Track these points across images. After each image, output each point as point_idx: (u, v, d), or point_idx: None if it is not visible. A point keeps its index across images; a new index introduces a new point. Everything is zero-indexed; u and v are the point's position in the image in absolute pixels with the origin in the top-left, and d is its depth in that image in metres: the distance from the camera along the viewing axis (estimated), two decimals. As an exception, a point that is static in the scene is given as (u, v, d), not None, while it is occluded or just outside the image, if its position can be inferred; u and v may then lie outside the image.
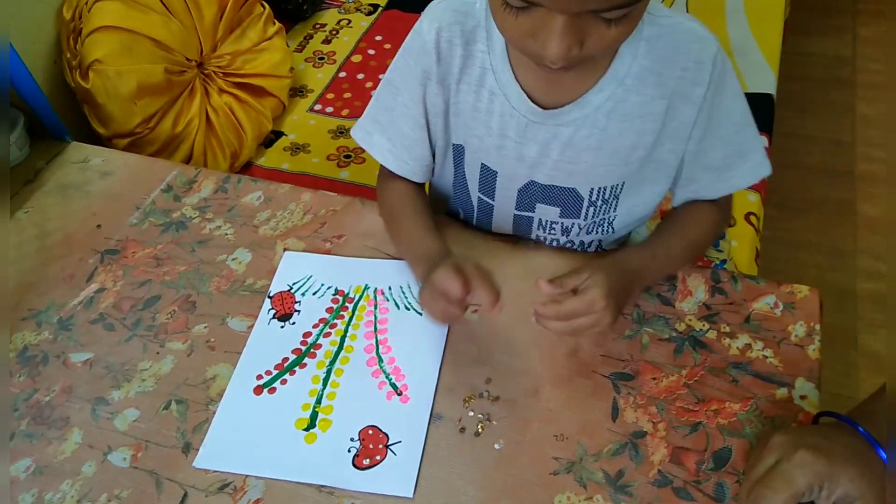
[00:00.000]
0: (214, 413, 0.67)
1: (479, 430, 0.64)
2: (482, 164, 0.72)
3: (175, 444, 0.66)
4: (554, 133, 0.66)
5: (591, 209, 0.72)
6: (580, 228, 0.75)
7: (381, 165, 0.76)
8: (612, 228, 0.76)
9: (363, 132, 0.75)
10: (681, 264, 0.73)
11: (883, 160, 1.83)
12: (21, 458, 0.66)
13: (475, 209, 0.79)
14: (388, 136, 0.73)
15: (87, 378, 0.72)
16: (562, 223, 0.74)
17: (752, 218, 1.18)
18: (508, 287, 0.74)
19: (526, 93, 0.65)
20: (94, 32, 1.13)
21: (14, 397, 0.71)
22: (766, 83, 1.41)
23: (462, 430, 0.64)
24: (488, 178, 0.73)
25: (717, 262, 1.09)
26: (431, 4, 0.67)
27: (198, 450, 0.65)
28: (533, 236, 0.78)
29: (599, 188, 0.70)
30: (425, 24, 0.66)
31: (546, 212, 0.74)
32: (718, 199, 0.72)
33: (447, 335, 0.71)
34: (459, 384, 0.67)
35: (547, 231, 0.76)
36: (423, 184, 0.78)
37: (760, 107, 1.37)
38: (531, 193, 0.72)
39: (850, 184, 1.79)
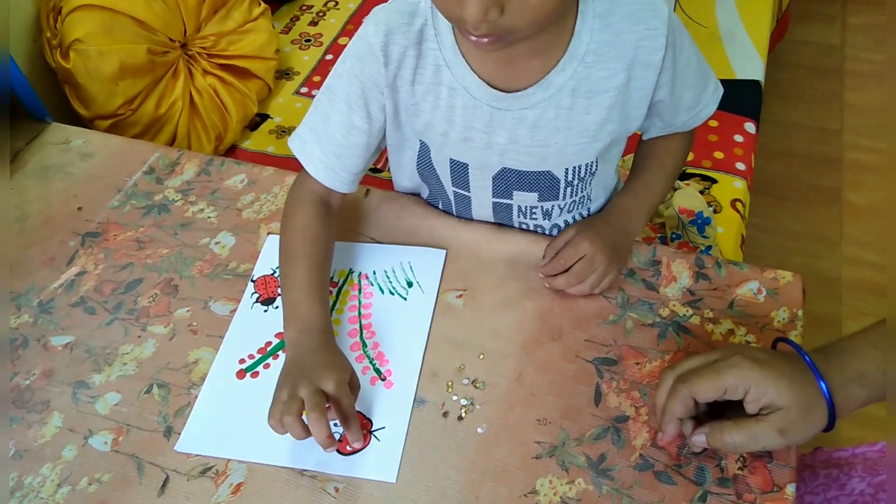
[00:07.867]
0: (196, 397, 0.67)
1: (463, 415, 0.64)
2: (450, 158, 0.71)
3: (157, 428, 0.66)
4: (520, 117, 0.65)
5: (569, 189, 0.73)
6: (561, 209, 0.75)
7: (300, 174, 0.73)
8: (590, 199, 0.77)
9: (299, 141, 0.71)
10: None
11: (869, 148, 1.84)
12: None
13: (453, 203, 0.78)
14: (321, 145, 0.70)
15: (67, 362, 0.71)
16: (542, 206, 0.74)
17: (738, 205, 1.19)
18: (493, 273, 0.74)
19: (486, 82, 0.64)
20: (75, 11, 1.10)
21: (-7, 381, 0.70)
22: (755, 70, 1.40)
23: (445, 414, 0.65)
24: (459, 171, 0.72)
25: (703, 248, 1.09)
26: (376, 8, 0.65)
27: (179, 434, 0.65)
28: (515, 224, 0.78)
29: (574, 167, 0.70)
30: (370, 28, 0.64)
31: (524, 198, 0.73)
32: None
33: (431, 320, 0.71)
34: (443, 369, 0.67)
35: (528, 217, 0.76)
36: (333, 215, 0.73)
37: (748, 93, 1.36)
38: (506, 180, 0.72)
39: (837, 172, 1.80)
